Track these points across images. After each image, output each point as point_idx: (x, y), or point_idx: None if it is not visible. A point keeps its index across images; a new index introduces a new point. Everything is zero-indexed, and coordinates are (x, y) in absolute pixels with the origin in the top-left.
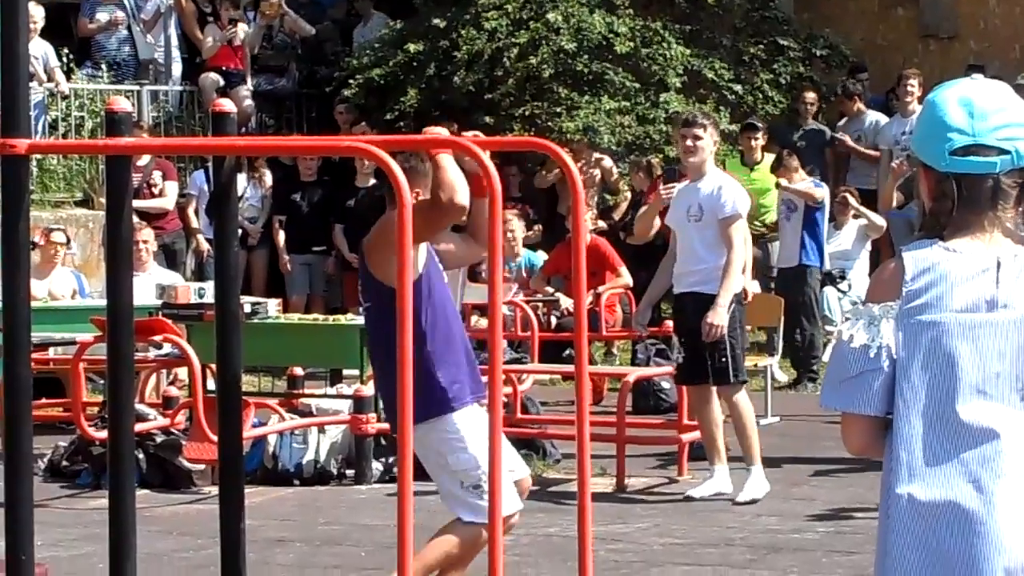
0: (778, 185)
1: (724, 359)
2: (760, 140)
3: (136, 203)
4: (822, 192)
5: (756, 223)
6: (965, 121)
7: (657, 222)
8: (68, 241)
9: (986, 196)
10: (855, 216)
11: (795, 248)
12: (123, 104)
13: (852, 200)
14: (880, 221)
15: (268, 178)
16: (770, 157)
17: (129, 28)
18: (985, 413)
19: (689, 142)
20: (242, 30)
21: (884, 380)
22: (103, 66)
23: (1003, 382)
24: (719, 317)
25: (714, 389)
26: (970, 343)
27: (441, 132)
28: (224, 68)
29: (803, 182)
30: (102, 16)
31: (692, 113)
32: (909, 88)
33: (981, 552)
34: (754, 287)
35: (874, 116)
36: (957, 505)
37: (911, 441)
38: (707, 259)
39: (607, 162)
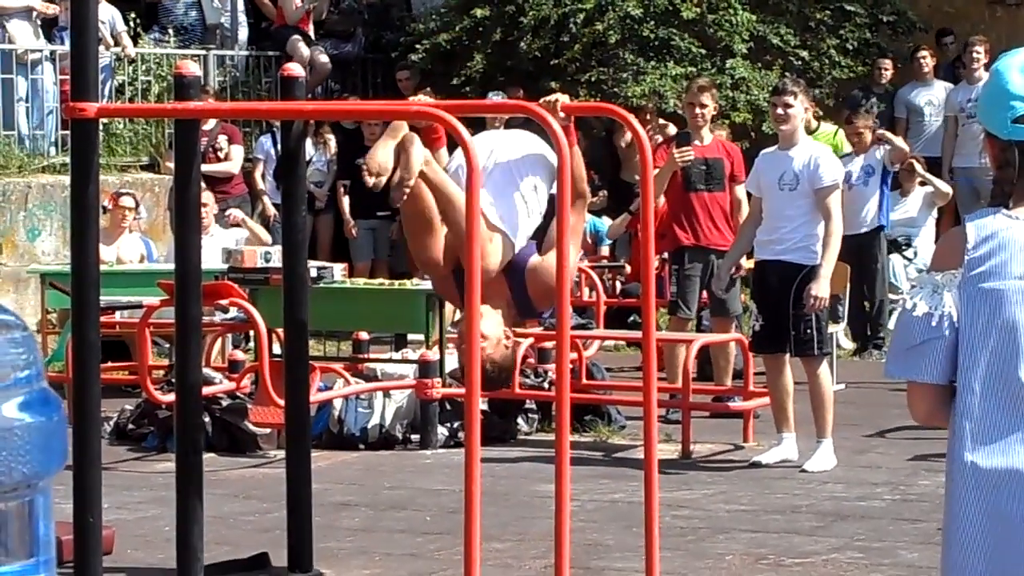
0: (878, 139)
1: (809, 330)
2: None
3: (202, 167)
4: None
5: None
6: None
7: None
8: (136, 205)
9: None
10: (921, 183)
11: (873, 211)
12: (191, 68)
13: (919, 167)
14: (946, 188)
15: (333, 143)
16: (826, 125)
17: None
18: None
19: (780, 110)
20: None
21: (947, 348)
22: (170, 31)
23: None
24: (823, 289)
25: (787, 357)
26: None
27: (424, 99)
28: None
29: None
30: None
31: (783, 80)
32: (975, 55)
33: None
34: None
35: (942, 83)
36: (1020, 473)
37: (973, 409)
38: (799, 228)
39: (671, 129)
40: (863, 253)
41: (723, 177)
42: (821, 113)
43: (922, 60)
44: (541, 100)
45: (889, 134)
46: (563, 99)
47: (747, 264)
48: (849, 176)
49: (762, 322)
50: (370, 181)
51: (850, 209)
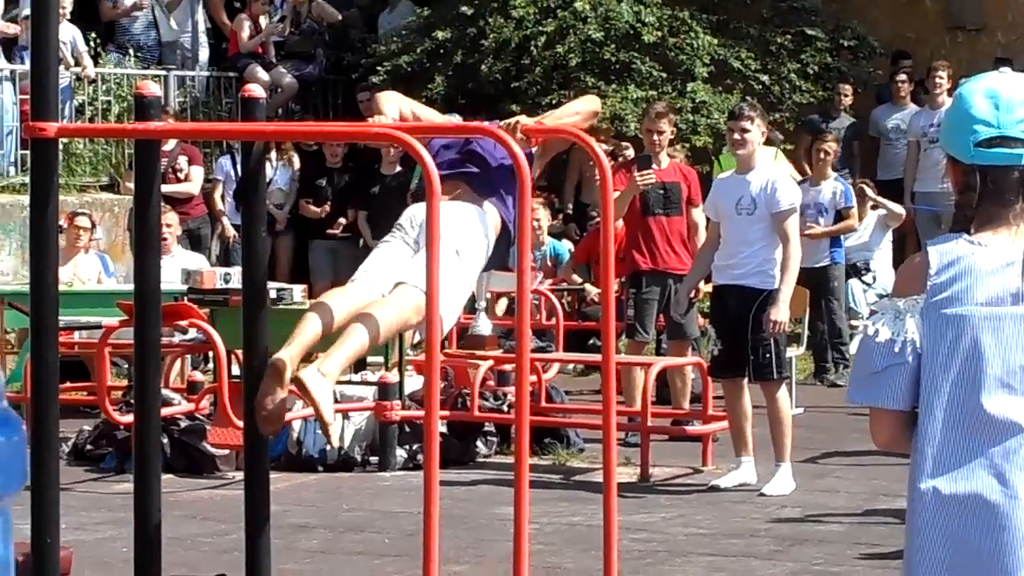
0: (869, 202)
1: (768, 355)
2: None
3: (163, 188)
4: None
5: None
6: (991, 113)
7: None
8: (93, 225)
9: (1011, 188)
10: (873, 207)
11: (824, 248)
12: (152, 88)
13: (869, 191)
14: (899, 209)
15: (296, 161)
16: (764, 149)
17: (153, 11)
18: (1009, 406)
19: (736, 135)
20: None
21: (909, 374)
22: (129, 50)
23: None
24: (782, 313)
25: (745, 381)
26: (994, 336)
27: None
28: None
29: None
30: (126, 0)
31: (739, 105)
32: (938, 80)
33: (1007, 545)
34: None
35: (913, 108)
36: (982, 498)
37: (936, 435)
38: (757, 252)
39: (630, 151)
40: (822, 284)
41: (680, 201)
42: (781, 138)
43: (900, 84)
44: (502, 122)
45: (884, 200)
46: (524, 121)
47: (705, 288)
48: (804, 209)
49: (721, 346)
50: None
51: (805, 243)
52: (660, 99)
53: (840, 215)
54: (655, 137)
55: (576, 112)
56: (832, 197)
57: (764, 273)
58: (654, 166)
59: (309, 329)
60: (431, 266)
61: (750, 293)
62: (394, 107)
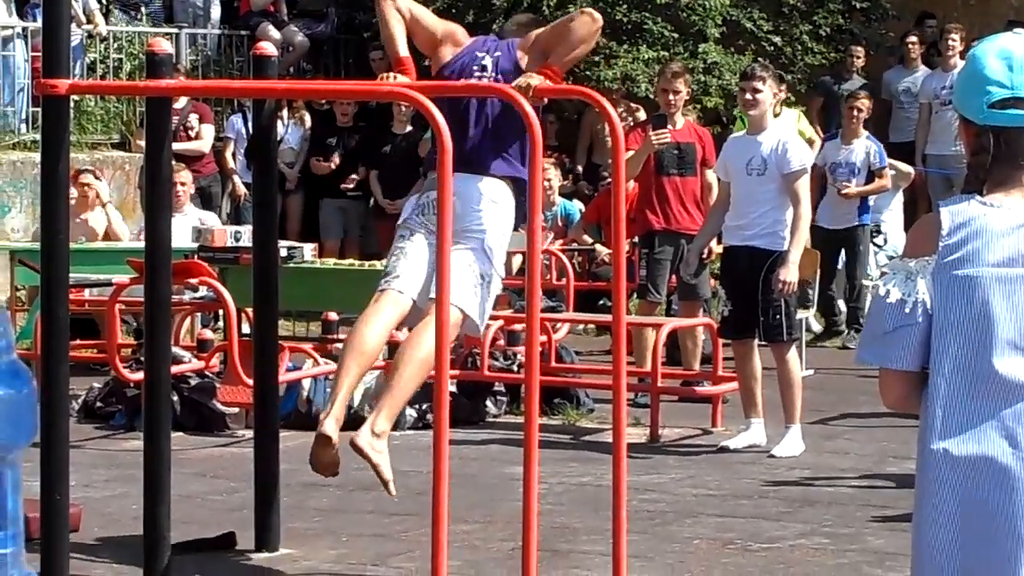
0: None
1: (778, 316)
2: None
3: (173, 146)
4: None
5: None
6: (1004, 74)
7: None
8: (98, 180)
9: None
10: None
11: (853, 209)
12: (164, 46)
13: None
14: (907, 169)
15: (308, 120)
16: (788, 111)
17: None
18: (1020, 368)
19: (748, 95)
20: None
21: (920, 335)
22: (141, 8)
23: None
24: (791, 274)
25: (755, 342)
26: (1006, 298)
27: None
28: (264, 12)
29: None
30: None
31: (751, 66)
32: (951, 43)
33: (1018, 506)
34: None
35: (925, 71)
36: (992, 460)
37: (946, 396)
38: (767, 213)
39: (641, 113)
40: (849, 245)
41: (695, 162)
42: (793, 99)
43: (911, 46)
44: (514, 82)
45: (892, 160)
46: (536, 81)
47: (716, 249)
48: (835, 168)
49: (731, 307)
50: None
51: (834, 202)
52: (672, 60)
53: (872, 175)
54: (671, 97)
55: (581, 41)
56: (866, 156)
57: (774, 234)
58: (669, 126)
59: (348, 380)
60: (443, 222)
61: (760, 254)
62: (398, 21)
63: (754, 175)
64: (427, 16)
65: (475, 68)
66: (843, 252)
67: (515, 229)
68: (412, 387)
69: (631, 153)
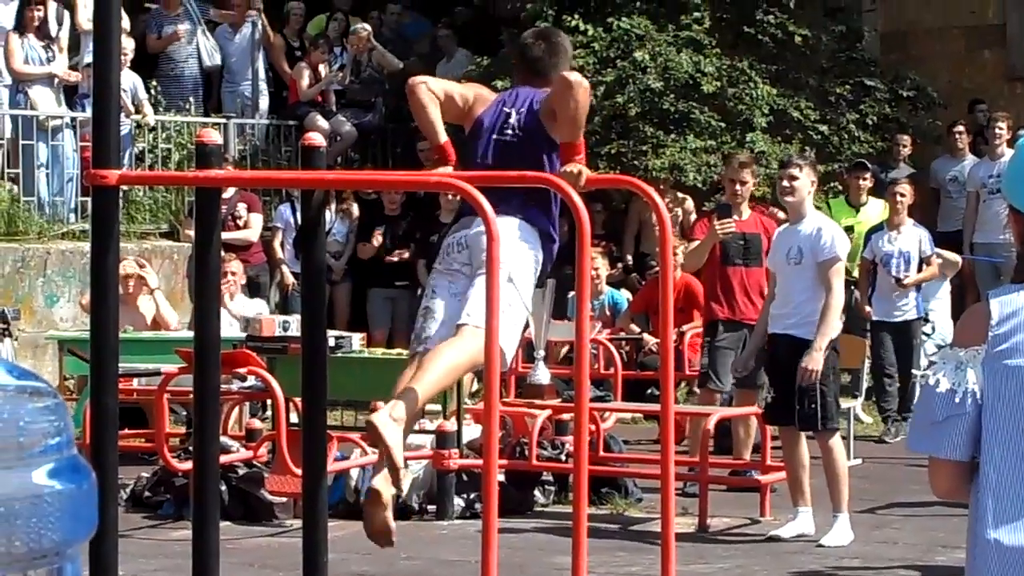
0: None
1: (813, 405)
2: (868, 181)
3: (222, 235)
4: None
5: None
6: None
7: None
8: (142, 267)
9: None
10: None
11: (911, 299)
12: (213, 136)
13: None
14: (954, 258)
15: (355, 211)
16: (876, 201)
17: (196, 41)
18: None
19: (785, 183)
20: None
21: (970, 425)
22: (191, 99)
23: None
24: (815, 362)
25: (802, 432)
26: None
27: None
28: (312, 103)
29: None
30: (168, 29)
31: (788, 154)
32: (998, 131)
33: None
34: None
35: (972, 159)
36: None
37: (997, 486)
38: (805, 302)
39: (689, 203)
40: (904, 343)
41: (760, 252)
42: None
43: (958, 135)
44: (562, 170)
45: (939, 250)
46: (586, 172)
47: None
48: (888, 259)
49: (773, 395)
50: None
51: (889, 294)
52: (720, 149)
53: (922, 262)
54: (737, 187)
55: (582, 111)
56: (918, 244)
57: (812, 324)
58: (735, 216)
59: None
60: (492, 315)
61: (799, 343)
62: (435, 104)
63: (792, 264)
64: (455, 88)
65: (503, 124)
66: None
67: (539, 285)
68: (435, 388)
69: (696, 243)
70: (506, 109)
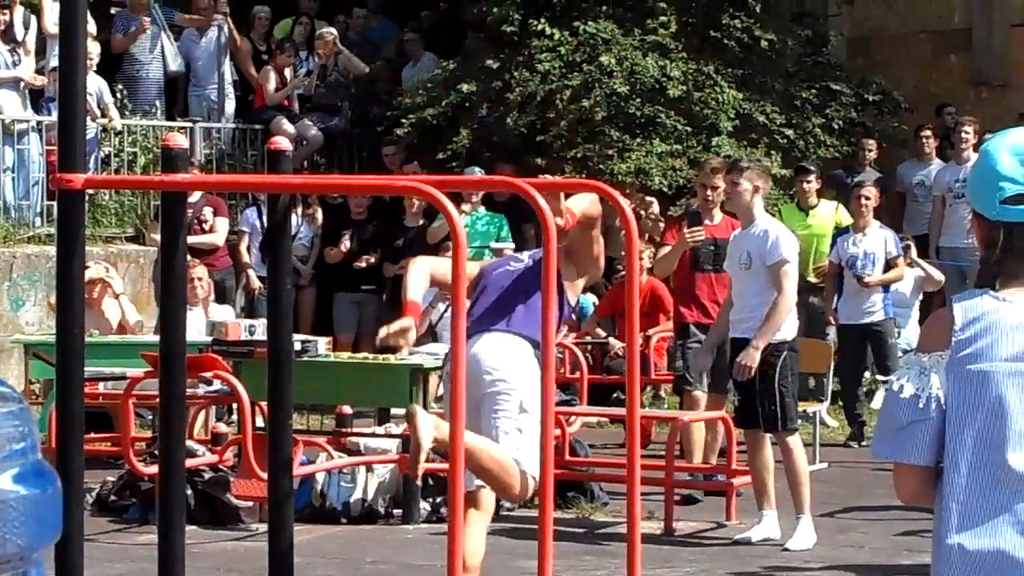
0: (910, 264)
1: (774, 406)
2: (814, 183)
3: (188, 239)
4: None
5: (811, 271)
6: (1017, 170)
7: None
8: (107, 270)
9: None
10: (909, 265)
11: (878, 301)
12: (179, 140)
13: (913, 252)
14: (938, 275)
15: (320, 217)
16: (827, 203)
17: (160, 43)
18: None
19: (728, 188)
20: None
21: (934, 430)
22: (157, 103)
23: None
24: (750, 359)
25: (766, 434)
26: (1019, 392)
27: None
28: (279, 107)
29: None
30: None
31: (734, 159)
32: (964, 135)
33: None
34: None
35: (939, 164)
36: (1006, 555)
37: (960, 491)
38: (759, 305)
39: (655, 207)
40: (877, 346)
41: None
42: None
43: (925, 140)
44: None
45: (926, 265)
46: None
47: None
48: (853, 261)
49: (739, 398)
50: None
51: (856, 297)
52: (686, 153)
53: (888, 264)
54: (709, 193)
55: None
56: (884, 245)
57: None
58: (706, 221)
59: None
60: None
61: None
62: (419, 284)
63: (743, 269)
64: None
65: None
66: (870, 349)
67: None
68: (473, 455)
69: (667, 249)
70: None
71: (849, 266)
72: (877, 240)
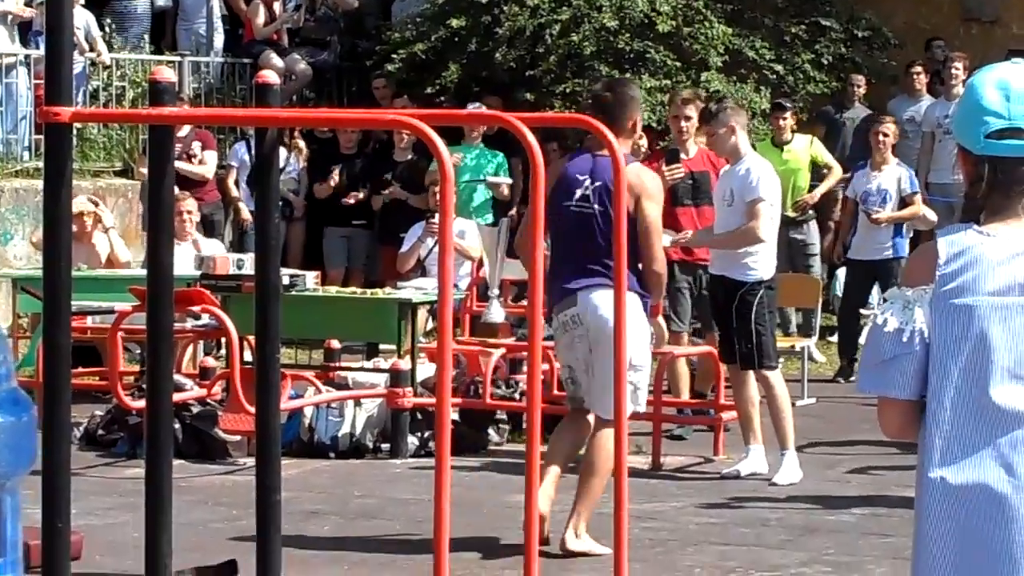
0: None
1: (750, 345)
2: (789, 120)
3: (177, 164)
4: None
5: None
6: (1001, 104)
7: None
8: (96, 204)
9: (1021, 180)
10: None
11: (887, 238)
12: (167, 74)
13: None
14: (932, 216)
15: (304, 150)
16: (801, 137)
17: None
18: (1018, 397)
19: (707, 139)
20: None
21: (918, 364)
22: (145, 38)
23: None
24: (680, 240)
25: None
26: (1003, 326)
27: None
28: (267, 41)
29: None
30: None
31: (705, 106)
32: (954, 71)
33: (1015, 535)
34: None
35: (928, 100)
36: (989, 488)
37: (944, 425)
38: None
39: (643, 141)
40: (881, 279)
41: (710, 190)
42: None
43: (915, 76)
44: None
45: (926, 208)
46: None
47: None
48: (866, 197)
49: (720, 334)
50: None
51: (867, 232)
52: (675, 88)
53: (904, 202)
54: (682, 124)
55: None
56: (897, 183)
57: (744, 265)
58: (683, 156)
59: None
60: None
61: (731, 284)
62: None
63: (725, 205)
64: None
65: (577, 190)
66: (876, 285)
67: (493, 224)
68: (599, 492)
69: None
70: (579, 176)
71: (862, 201)
72: (891, 177)
